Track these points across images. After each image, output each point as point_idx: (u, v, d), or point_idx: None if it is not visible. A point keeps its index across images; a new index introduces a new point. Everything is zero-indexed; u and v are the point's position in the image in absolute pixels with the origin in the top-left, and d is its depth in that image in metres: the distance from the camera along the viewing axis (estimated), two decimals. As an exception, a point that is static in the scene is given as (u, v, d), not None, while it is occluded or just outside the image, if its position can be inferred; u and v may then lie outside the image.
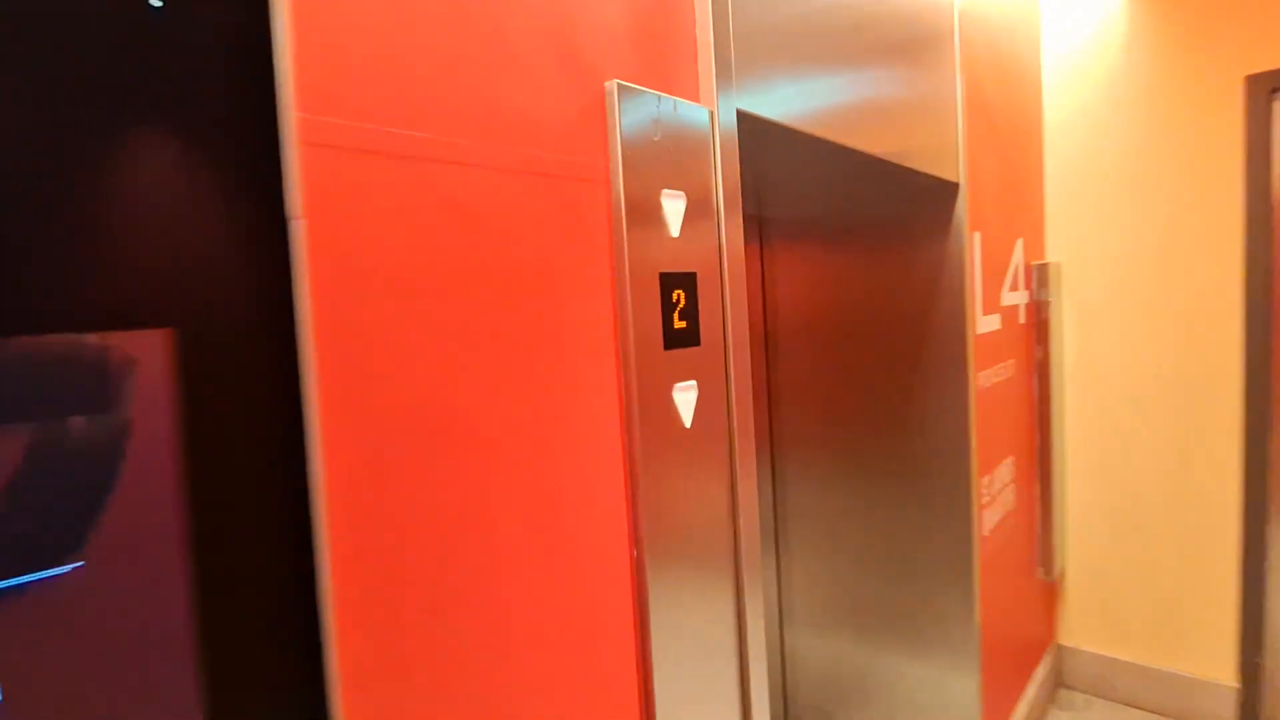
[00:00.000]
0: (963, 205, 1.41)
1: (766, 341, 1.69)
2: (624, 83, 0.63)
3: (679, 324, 0.68)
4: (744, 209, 1.68)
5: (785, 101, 0.86)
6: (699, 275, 0.71)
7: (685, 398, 0.69)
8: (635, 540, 0.65)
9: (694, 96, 0.73)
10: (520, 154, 0.57)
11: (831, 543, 1.67)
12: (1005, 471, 1.68)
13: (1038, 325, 1.91)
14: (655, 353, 0.66)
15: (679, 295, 0.68)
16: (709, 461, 0.72)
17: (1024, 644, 1.88)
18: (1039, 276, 1.91)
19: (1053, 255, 2.02)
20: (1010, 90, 1.76)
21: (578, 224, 0.61)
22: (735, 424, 0.75)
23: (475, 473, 0.52)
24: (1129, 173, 1.91)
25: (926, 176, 1.31)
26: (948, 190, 1.41)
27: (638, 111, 0.65)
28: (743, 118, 0.77)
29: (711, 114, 0.73)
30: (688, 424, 0.69)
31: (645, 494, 0.65)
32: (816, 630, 1.75)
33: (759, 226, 1.67)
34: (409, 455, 0.48)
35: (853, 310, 1.58)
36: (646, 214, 0.65)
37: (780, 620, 1.82)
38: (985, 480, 1.54)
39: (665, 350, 0.67)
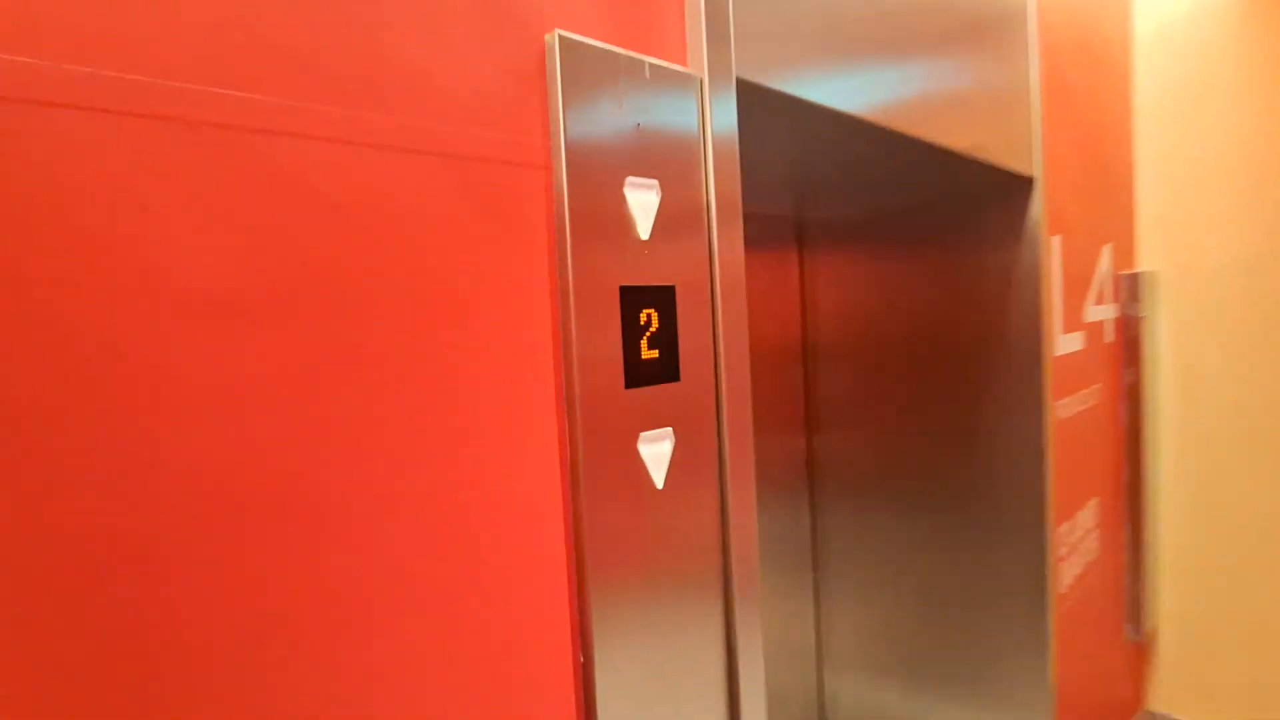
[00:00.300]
0: (1039, 204, 1.19)
1: (805, 357, 1.50)
2: (570, 35, 0.48)
3: (648, 353, 0.52)
4: (780, 209, 1.50)
5: (805, 71, 0.68)
6: (679, 289, 0.54)
7: (656, 450, 0.52)
8: (581, 641, 0.49)
9: (678, 59, 0.57)
10: (411, 126, 0.41)
11: (880, 581, 1.47)
12: (1088, 515, 1.44)
13: (1128, 344, 1.65)
14: (612, 393, 0.50)
15: (648, 316, 0.52)
16: (691, 532, 0.55)
17: (1107, 710, 1.62)
18: (1130, 288, 1.66)
19: (1146, 263, 1.75)
20: (1095, 70, 1.52)
21: (499, 220, 0.46)
22: (730, 483, 0.58)
23: (322, 565, 0.37)
24: (1240, 164, 1.63)
25: (995, 170, 1.10)
26: (1020, 186, 1.20)
27: (591, 74, 0.49)
28: (746, 89, 0.60)
29: (701, 82, 0.56)
30: (660, 484, 0.53)
31: (597, 579, 0.48)
32: (860, 675, 1.54)
33: (797, 228, 1.49)
34: (185, 544, 0.33)
35: (906, 324, 1.38)
36: (602, 209, 0.49)
37: (819, 663, 1.62)
38: (1064, 528, 1.31)
39: (628, 389, 0.51)
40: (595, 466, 0.48)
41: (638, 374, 0.51)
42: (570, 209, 0.47)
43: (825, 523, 1.53)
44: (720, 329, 0.57)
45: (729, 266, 0.58)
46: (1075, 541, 1.37)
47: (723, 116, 0.57)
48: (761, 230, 1.43)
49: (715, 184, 0.56)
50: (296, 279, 0.37)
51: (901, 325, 1.37)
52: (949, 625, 1.39)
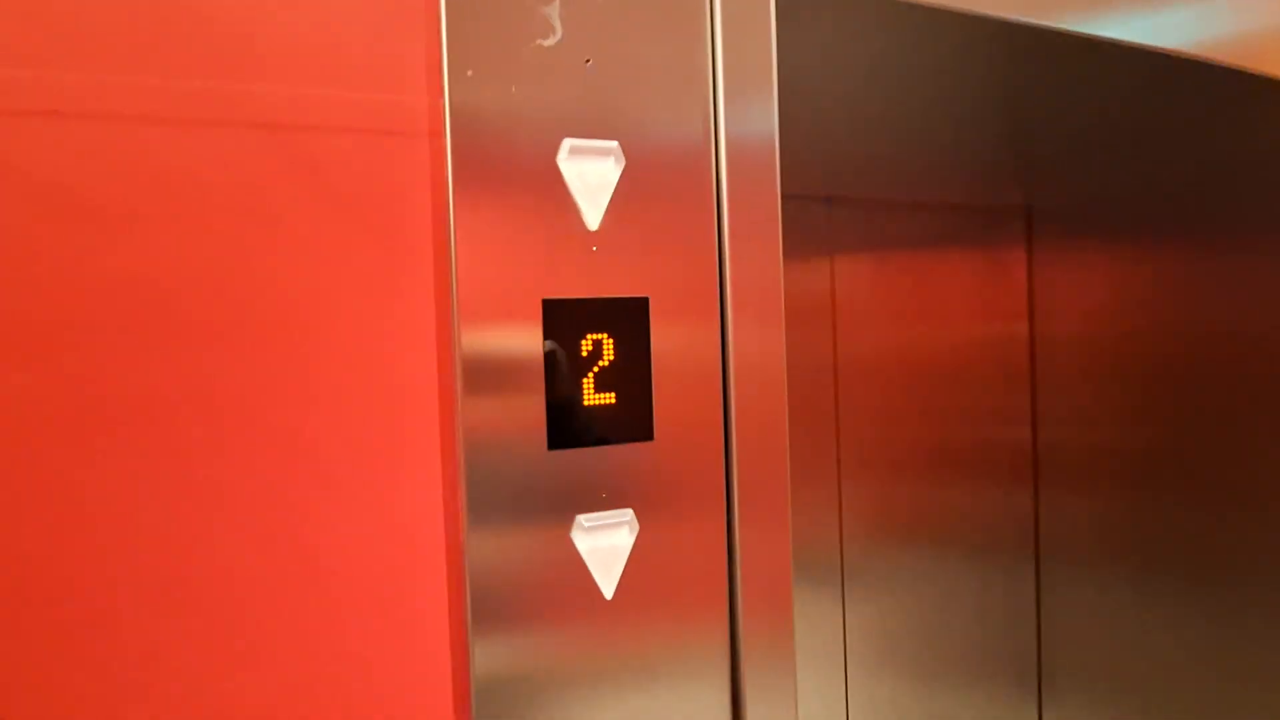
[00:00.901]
0: None
1: (1034, 389, 1.14)
2: (469, -61, 0.33)
3: (596, 398, 0.35)
4: (1000, 196, 1.16)
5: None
6: (656, 305, 0.37)
7: (604, 543, 0.35)
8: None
9: (678, -36, 0.39)
10: (225, 91, 0.31)
11: (1141, 691, 1.05)
12: None
13: None
14: (525, 456, 0.34)
15: (597, 344, 0.35)
16: (665, 669, 0.37)
17: None
18: None
19: None
20: None
21: (359, 213, 0.33)
22: (743, 600, 0.38)
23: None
24: None
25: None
26: None
27: (505, -7, 0.34)
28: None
29: (711, -10, 0.38)
30: (609, 592, 0.36)
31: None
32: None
33: (1026, 219, 1.14)
34: None
35: (1191, 346, 0.96)
36: (517, 188, 0.34)
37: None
38: None
39: (553, 450, 0.35)
40: (493, 568, 0.33)
41: (574, 428, 0.35)
42: (457, 189, 0.33)
43: (1058, 608, 1.15)
44: (732, 362, 0.38)
45: (751, 268, 0.38)
46: None
47: (749, 37, 0.38)
48: (968, 225, 1.12)
49: (729, 144, 0.37)
50: (72, 302, 0.29)
51: (1182, 346, 0.96)
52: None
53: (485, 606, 0.33)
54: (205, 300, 0.30)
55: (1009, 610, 1.15)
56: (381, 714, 0.33)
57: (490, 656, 0.33)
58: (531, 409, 0.34)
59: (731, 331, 0.38)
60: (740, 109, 0.38)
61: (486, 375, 0.33)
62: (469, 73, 0.33)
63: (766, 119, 0.38)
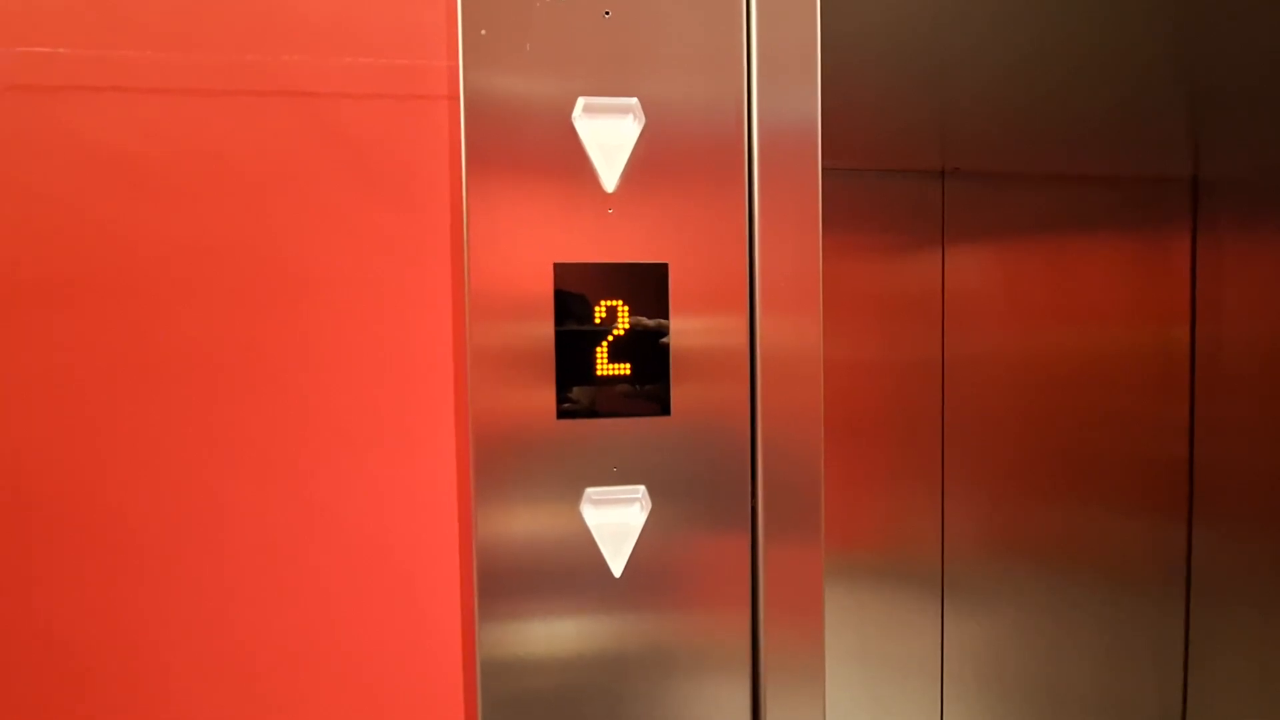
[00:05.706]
0: None
1: (1192, 399, 1.02)
2: (488, -104, 0.35)
3: (609, 369, 0.36)
4: (1158, 165, 1.04)
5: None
6: (676, 272, 0.36)
7: (613, 518, 0.36)
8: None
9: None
10: (246, 64, 0.34)
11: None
12: None
13: None
14: (535, 425, 0.35)
15: (610, 311, 0.36)
16: (676, 654, 0.37)
17: None
18: None
19: None
20: None
21: (376, 175, 0.36)
22: (766, 591, 0.37)
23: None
24: None
25: None
26: None
27: (525, -51, 0.35)
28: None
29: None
30: (618, 570, 0.36)
31: None
32: None
33: (1192, 195, 1.02)
34: None
35: None
36: (529, 148, 0.35)
37: None
38: None
39: (561, 420, 0.36)
40: (500, 536, 0.35)
41: (584, 398, 0.36)
42: (469, 149, 0.34)
43: (1211, 654, 1.02)
44: (760, 337, 0.37)
45: (785, 246, 0.37)
46: None
47: (787, -13, 0.37)
48: (1114, 202, 1.02)
49: (761, 99, 0.37)
50: (100, 261, 0.33)
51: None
52: None
53: (491, 575, 0.35)
54: (241, 265, 0.34)
55: (1149, 652, 1.04)
56: (391, 690, 0.35)
57: (496, 630, 0.35)
58: (540, 376, 0.35)
59: (760, 311, 0.37)
60: (777, 66, 0.37)
61: (495, 340, 0.35)
62: (482, 31, 0.34)
63: (807, 82, 0.37)
